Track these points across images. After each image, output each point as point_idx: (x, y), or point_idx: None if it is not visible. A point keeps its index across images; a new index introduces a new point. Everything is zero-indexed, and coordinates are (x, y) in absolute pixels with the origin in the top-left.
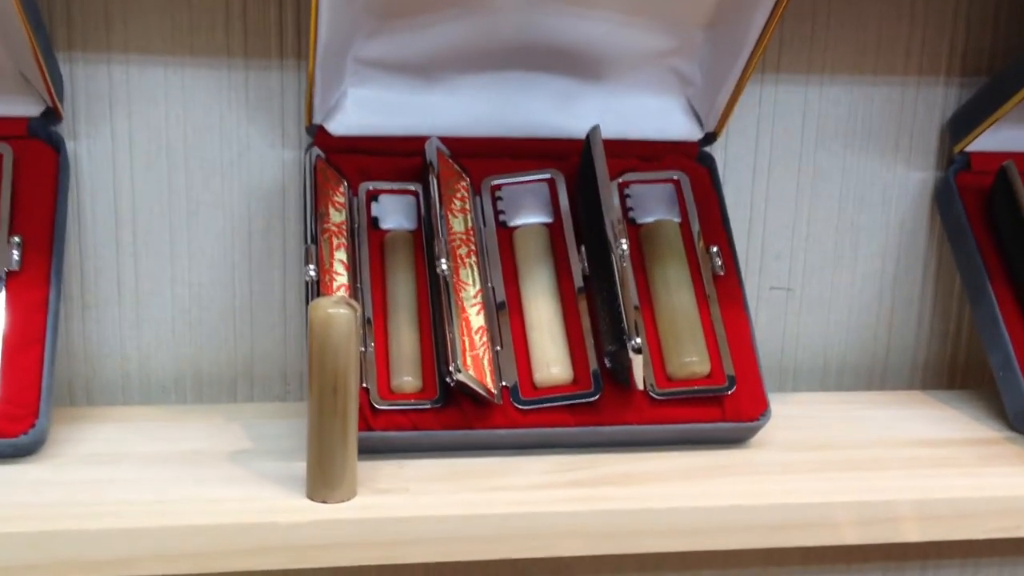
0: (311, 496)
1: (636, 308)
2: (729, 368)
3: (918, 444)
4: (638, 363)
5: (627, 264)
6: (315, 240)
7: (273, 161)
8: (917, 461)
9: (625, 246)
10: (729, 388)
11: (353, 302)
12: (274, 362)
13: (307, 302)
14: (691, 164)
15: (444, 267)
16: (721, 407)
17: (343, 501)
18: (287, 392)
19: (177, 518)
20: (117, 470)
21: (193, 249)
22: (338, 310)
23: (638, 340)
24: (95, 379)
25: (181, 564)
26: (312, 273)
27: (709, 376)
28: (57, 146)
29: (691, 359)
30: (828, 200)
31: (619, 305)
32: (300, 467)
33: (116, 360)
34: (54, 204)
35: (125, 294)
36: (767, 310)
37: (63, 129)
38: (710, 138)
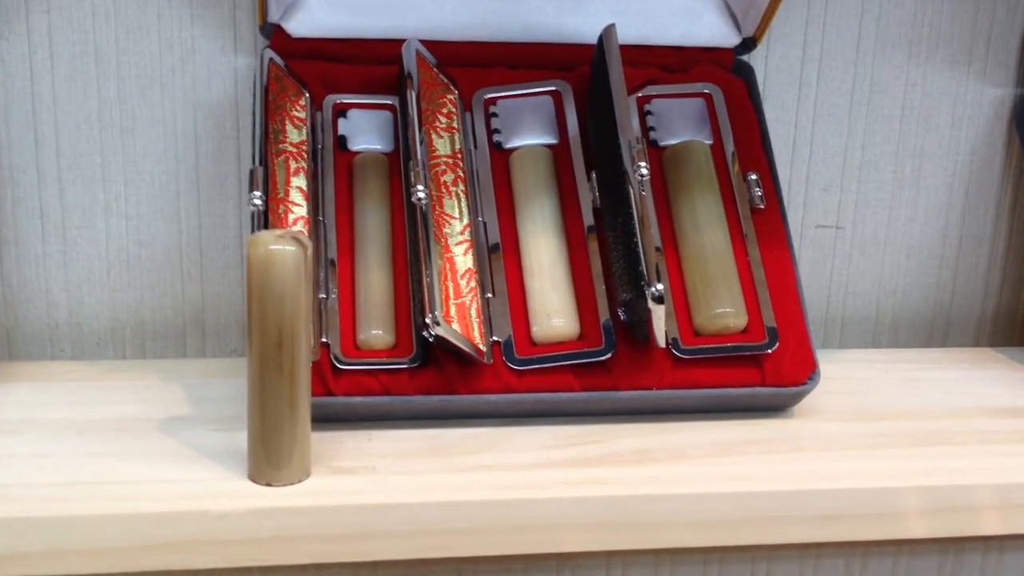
0: (253, 477)
1: (658, 249)
2: (770, 321)
3: (993, 414)
4: (659, 315)
5: (647, 194)
6: (264, 162)
7: (223, 69)
8: (994, 435)
9: (645, 171)
10: (770, 345)
11: (302, 236)
12: (228, 310)
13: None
14: (725, 75)
15: (421, 195)
16: (760, 368)
17: (292, 483)
18: (246, 345)
19: (78, 505)
20: (18, 442)
21: (129, 174)
22: (282, 247)
23: (659, 287)
24: (17, 329)
25: (80, 563)
26: (258, 201)
27: (746, 331)
28: None
29: (724, 309)
30: (886, 121)
31: (637, 244)
32: (245, 440)
33: (41, 307)
34: None
35: (49, 228)
36: (811, 252)
37: None
38: (748, 44)
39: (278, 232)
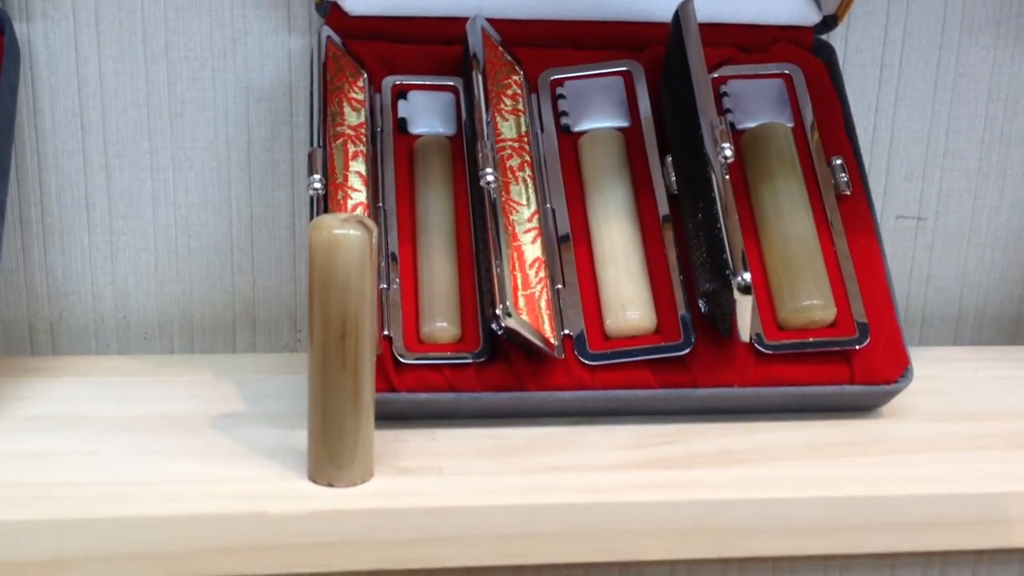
0: (314, 477)
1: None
2: (860, 314)
3: None
4: (744, 307)
5: (729, 178)
6: (323, 144)
7: (277, 50)
8: None
9: (729, 153)
10: (861, 340)
11: (368, 221)
12: (281, 303)
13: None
14: (804, 56)
15: (491, 179)
16: (849, 365)
17: (354, 484)
18: (298, 341)
19: (127, 506)
20: (66, 439)
21: (179, 161)
22: (347, 231)
23: (746, 276)
24: (61, 323)
25: (129, 568)
26: (318, 185)
27: (833, 325)
28: (1, 27)
29: (811, 302)
30: (973, 105)
31: (720, 230)
32: (304, 438)
33: (86, 300)
34: None
35: (95, 218)
36: (891, 244)
37: (10, 7)
38: (829, 23)
39: (342, 216)
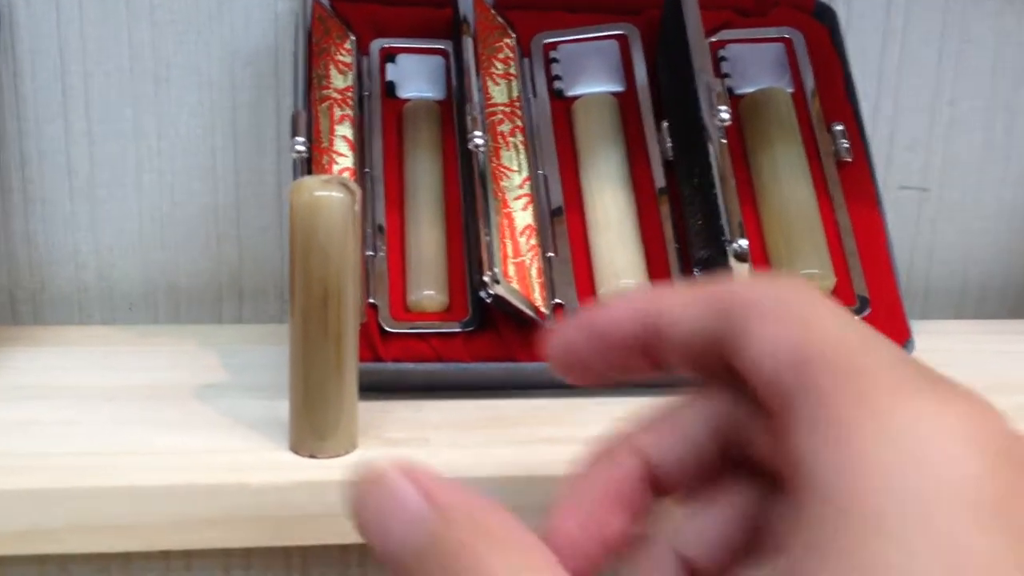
0: (295, 448)
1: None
2: (860, 285)
3: None
4: (741, 274)
5: (726, 142)
6: (307, 107)
7: (263, 13)
8: None
9: (726, 115)
10: (860, 311)
11: (350, 183)
12: (268, 272)
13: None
14: (806, 19)
15: (479, 143)
16: None
17: (338, 455)
18: (284, 312)
19: (107, 477)
20: (46, 409)
21: (163, 127)
22: (329, 193)
23: (743, 243)
24: (43, 292)
25: (109, 540)
26: (301, 148)
27: (833, 295)
28: None
29: (810, 270)
30: (978, 73)
31: (716, 196)
32: (286, 408)
33: (69, 269)
34: None
35: (77, 185)
36: (894, 215)
37: None
38: None
39: (324, 177)
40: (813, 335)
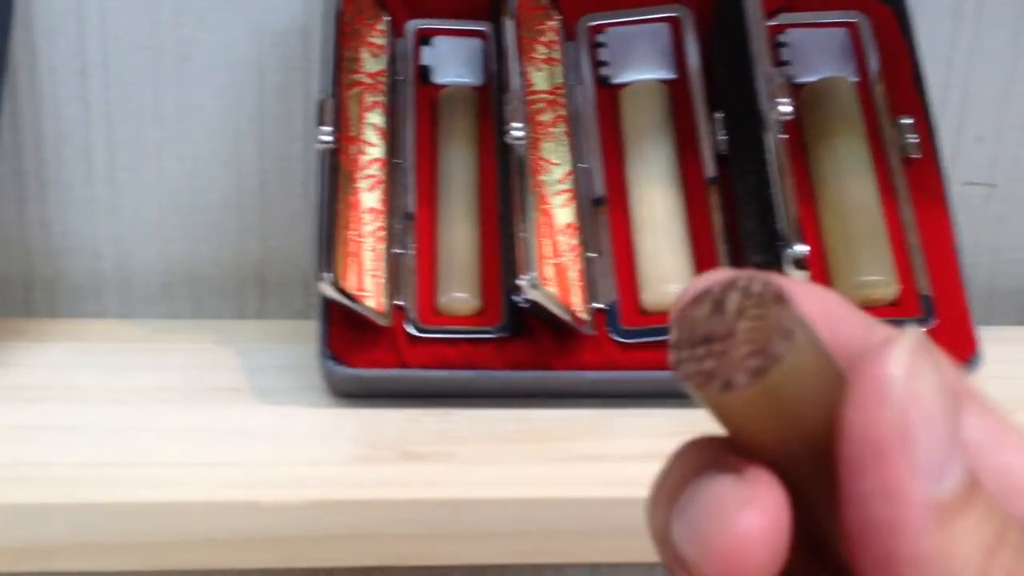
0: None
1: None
2: (926, 291)
3: None
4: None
5: (786, 136)
6: (335, 94)
7: None
8: None
9: (786, 108)
10: (925, 320)
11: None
12: (294, 264)
13: (322, 179)
14: (871, 2)
15: (518, 134)
16: None
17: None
18: (310, 306)
19: (109, 491)
20: (48, 412)
21: (185, 109)
22: None
23: (802, 248)
24: (60, 282)
25: (111, 558)
26: (327, 137)
27: (896, 302)
28: None
29: (872, 277)
30: None
31: (773, 196)
32: (306, 419)
33: (86, 257)
34: None
35: (96, 169)
36: (959, 213)
37: None
38: None
39: None
40: None
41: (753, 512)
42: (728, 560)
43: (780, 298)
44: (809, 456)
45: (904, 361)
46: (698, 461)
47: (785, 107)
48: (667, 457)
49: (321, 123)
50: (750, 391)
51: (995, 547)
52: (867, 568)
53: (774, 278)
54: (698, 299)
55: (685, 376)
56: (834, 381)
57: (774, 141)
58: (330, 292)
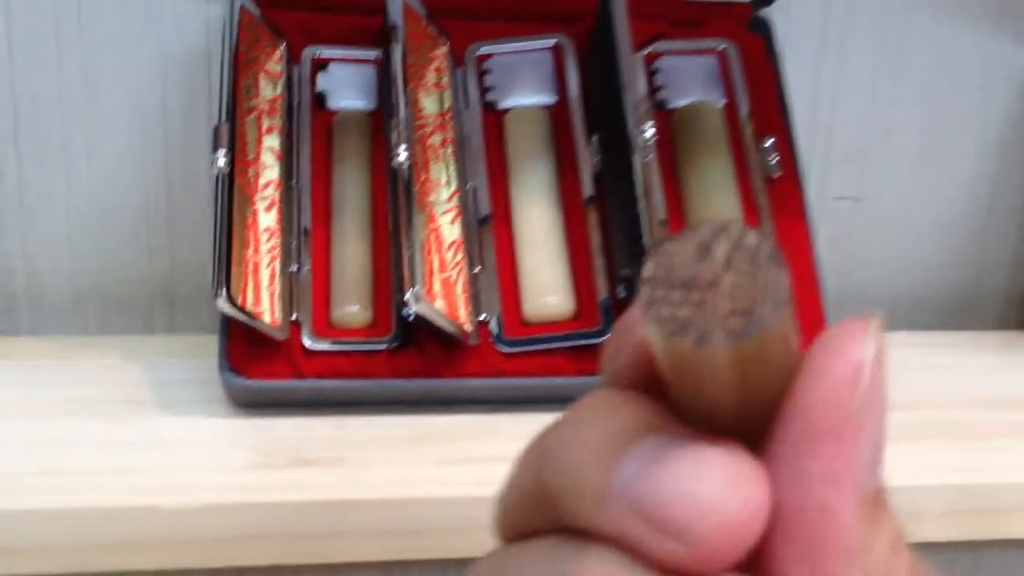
0: None
1: (662, 221)
2: None
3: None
4: None
5: (652, 158)
6: (232, 119)
7: (195, 16)
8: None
9: (650, 133)
10: None
11: None
12: (201, 279)
13: (217, 202)
14: (741, 31)
15: (402, 158)
16: None
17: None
18: (215, 320)
19: (21, 499)
20: None
21: (92, 133)
22: None
23: None
24: None
25: (25, 562)
26: (222, 162)
27: None
28: None
29: None
30: (914, 83)
31: (639, 214)
32: (206, 428)
33: None
34: None
35: (6, 191)
36: (827, 226)
37: None
38: None
39: None
40: None
41: (764, 488)
42: (734, 531)
43: (776, 259)
44: (750, 429)
45: (874, 349)
46: (638, 419)
47: (650, 131)
48: (568, 414)
49: (216, 148)
50: (724, 352)
51: (899, 549)
52: (788, 555)
53: (768, 235)
54: (683, 236)
55: (656, 319)
56: (792, 358)
57: (640, 163)
58: (227, 308)
